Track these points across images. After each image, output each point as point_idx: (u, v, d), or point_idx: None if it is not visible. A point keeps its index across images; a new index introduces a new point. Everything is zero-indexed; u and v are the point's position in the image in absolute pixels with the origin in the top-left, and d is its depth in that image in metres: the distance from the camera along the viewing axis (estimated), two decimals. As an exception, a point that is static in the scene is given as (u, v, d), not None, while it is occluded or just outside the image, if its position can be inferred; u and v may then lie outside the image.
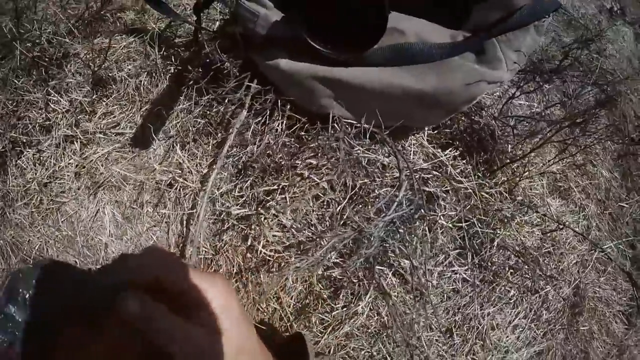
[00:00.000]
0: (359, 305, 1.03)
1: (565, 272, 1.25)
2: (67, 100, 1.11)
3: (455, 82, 0.84)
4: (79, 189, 1.03)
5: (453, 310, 1.16)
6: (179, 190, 0.96)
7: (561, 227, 1.23)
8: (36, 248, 1.07)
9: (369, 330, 1.08)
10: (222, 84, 0.98)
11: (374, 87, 0.85)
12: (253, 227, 0.93)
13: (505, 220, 1.18)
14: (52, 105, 1.11)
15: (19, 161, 1.12)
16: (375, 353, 1.08)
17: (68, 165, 1.05)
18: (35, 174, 1.08)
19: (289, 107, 0.98)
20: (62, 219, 1.04)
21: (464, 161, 1.17)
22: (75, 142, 1.07)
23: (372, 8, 0.75)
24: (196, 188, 0.95)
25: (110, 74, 1.11)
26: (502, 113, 1.21)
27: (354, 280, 1.01)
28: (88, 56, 1.14)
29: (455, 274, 1.15)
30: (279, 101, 0.97)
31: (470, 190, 1.12)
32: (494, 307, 1.17)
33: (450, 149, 1.16)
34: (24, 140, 1.12)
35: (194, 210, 0.93)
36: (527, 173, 1.25)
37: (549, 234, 1.24)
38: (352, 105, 0.94)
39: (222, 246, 0.94)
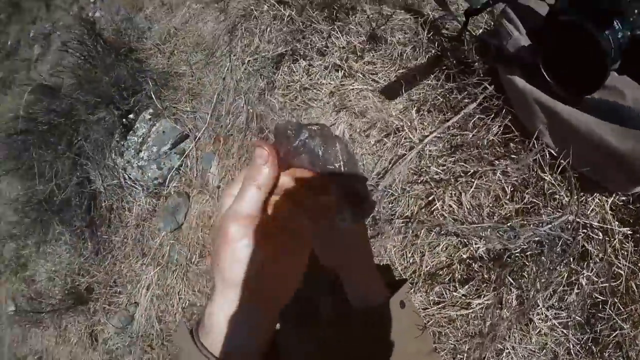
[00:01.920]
0: (475, 301, 1.23)
1: None
2: (345, 40, 1.50)
3: (649, 155, 0.94)
4: (327, 103, 1.42)
5: (541, 366, 1.23)
6: (401, 138, 1.29)
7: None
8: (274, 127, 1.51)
9: (467, 328, 1.25)
10: (467, 78, 1.27)
11: (578, 128, 1.03)
12: (438, 191, 1.22)
13: (640, 326, 1.15)
14: (332, 39, 1.52)
15: (292, 65, 1.56)
16: (459, 349, 1.25)
17: (328, 84, 1.45)
18: (301, 78, 1.50)
19: (510, 117, 1.21)
20: (304, 117, 1.45)
21: (635, 246, 1.18)
22: (339, 71, 1.46)
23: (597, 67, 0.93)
24: (414, 142, 1.27)
25: (384, 35, 1.47)
26: None
27: (485, 278, 1.23)
28: (373, 16, 1.52)
29: (565, 339, 1.21)
30: (504, 110, 1.21)
31: (622, 272, 1.17)
32: (578, 401, 1.16)
33: (628, 228, 1.19)
34: (302, 53, 1.55)
35: (404, 155, 1.26)
36: None
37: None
38: (557, 138, 1.12)
39: (408, 192, 1.25)
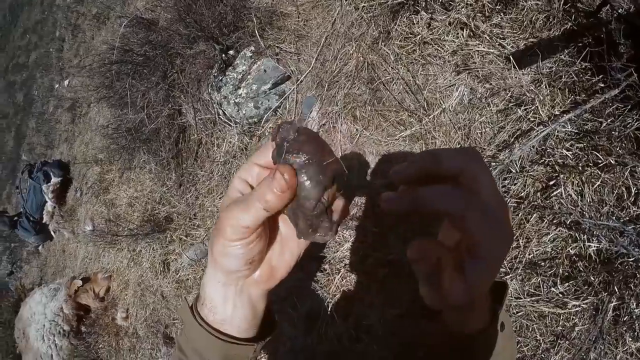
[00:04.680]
0: (572, 302, 1.19)
1: None
2: (475, -3, 1.47)
3: None
4: (449, 62, 1.41)
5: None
6: (528, 112, 1.26)
7: None
8: (391, 82, 1.52)
9: (555, 328, 1.23)
10: (610, 60, 1.21)
11: None
12: (562, 176, 1.19)
13: None
14: (462, -6, 1.48)
15: (412, 16, 1.54)
16: (542, 345, 1.23)
17: (451, 42, 1.42)
18: (422, 32, 1.48)
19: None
20: (421, 72, 1.45)
21: None
22: (464, 30, 1.42)
23: None
24: (543, 119, 1.24)
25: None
26: None
27: (589, 280, 1.16)
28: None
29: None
30: (646, 100, 1.14)
31: None
32: None
33: None
34: (424, 5, 1.52)
35: (529, 131, 1.24)
36: None
37: None
38: None
39: (529, 170, 1.24)
